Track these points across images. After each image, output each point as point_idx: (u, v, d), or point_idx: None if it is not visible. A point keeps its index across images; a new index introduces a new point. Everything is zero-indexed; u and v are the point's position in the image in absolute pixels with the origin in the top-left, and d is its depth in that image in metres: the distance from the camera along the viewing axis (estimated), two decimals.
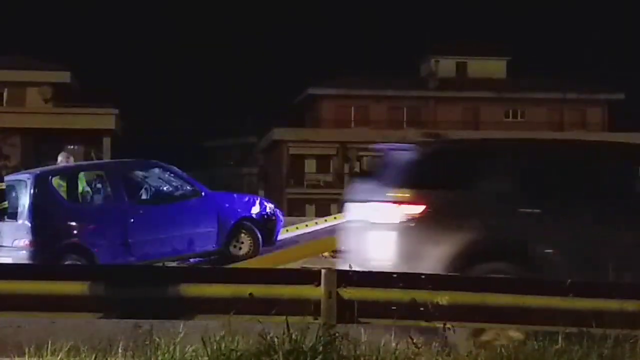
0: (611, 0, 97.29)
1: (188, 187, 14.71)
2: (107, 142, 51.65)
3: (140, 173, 14.88)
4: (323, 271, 7.83)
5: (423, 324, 7.62)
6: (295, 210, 49.78)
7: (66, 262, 12.83)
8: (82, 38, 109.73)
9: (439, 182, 9.01)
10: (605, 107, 58.91)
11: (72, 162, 15.66)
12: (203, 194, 14.68)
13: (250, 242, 14.79)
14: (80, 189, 14.28)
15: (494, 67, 59.81)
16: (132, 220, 13.83)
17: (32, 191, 13.25)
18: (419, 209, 8.81)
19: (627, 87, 58.87)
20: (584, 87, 58.39)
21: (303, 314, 7.55)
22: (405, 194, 8.85)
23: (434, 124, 55.30)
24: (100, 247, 13.39)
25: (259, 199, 15.82)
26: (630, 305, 7.74)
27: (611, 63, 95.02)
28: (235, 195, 16.08)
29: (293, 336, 7.16)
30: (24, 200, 13.28)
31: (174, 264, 14.06)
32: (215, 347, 7.16)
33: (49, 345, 7.34)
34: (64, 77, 52.79)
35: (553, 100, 58.00)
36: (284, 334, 7.18)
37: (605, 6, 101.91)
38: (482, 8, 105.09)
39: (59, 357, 7.22)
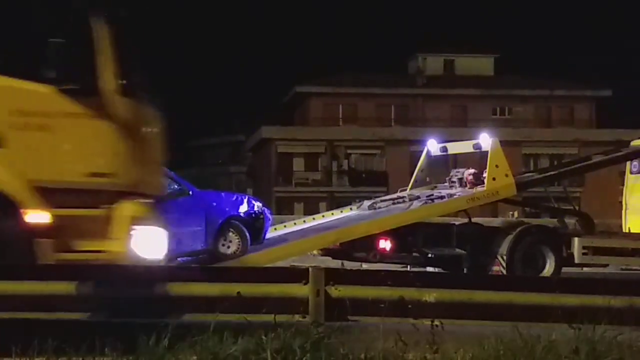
0: None
1: (176, 186, 14.64)
2: None
3: None
4: (311, 269, 7.82)
5: (411, 321, 7.62)
6: (284, 208, 49.84)
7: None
8: None
9: None
10: (593, 104, 59.10)
11: None
12: (191, 192, 14.63)
13: (239, 241, 14.75)
14: None
15: (482, 64, 59.94)
16: None
17: None
18: None
19: (614, 84, 59.13)
20: (571, 84, 58.58)
21: (291, 312, 7.54)
22: None
23: (422, 121, 55.39)
24: None
25: (247, 197, 15.76)
26: (617, 302, 7.76)
27: (598, 60, 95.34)
28: (223, 194, 16.01)
29: (281, 335, 7.13)
30: None
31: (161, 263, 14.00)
32: (203, 347, 7.13)
33: (36, 345, 7.30)
34: None
35: (541, 97, 58.16)
36: (272, 332, 7.15)
37: (592, 3, 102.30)
38: (469, 5, 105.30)
39: (45, 357, 7.18)
